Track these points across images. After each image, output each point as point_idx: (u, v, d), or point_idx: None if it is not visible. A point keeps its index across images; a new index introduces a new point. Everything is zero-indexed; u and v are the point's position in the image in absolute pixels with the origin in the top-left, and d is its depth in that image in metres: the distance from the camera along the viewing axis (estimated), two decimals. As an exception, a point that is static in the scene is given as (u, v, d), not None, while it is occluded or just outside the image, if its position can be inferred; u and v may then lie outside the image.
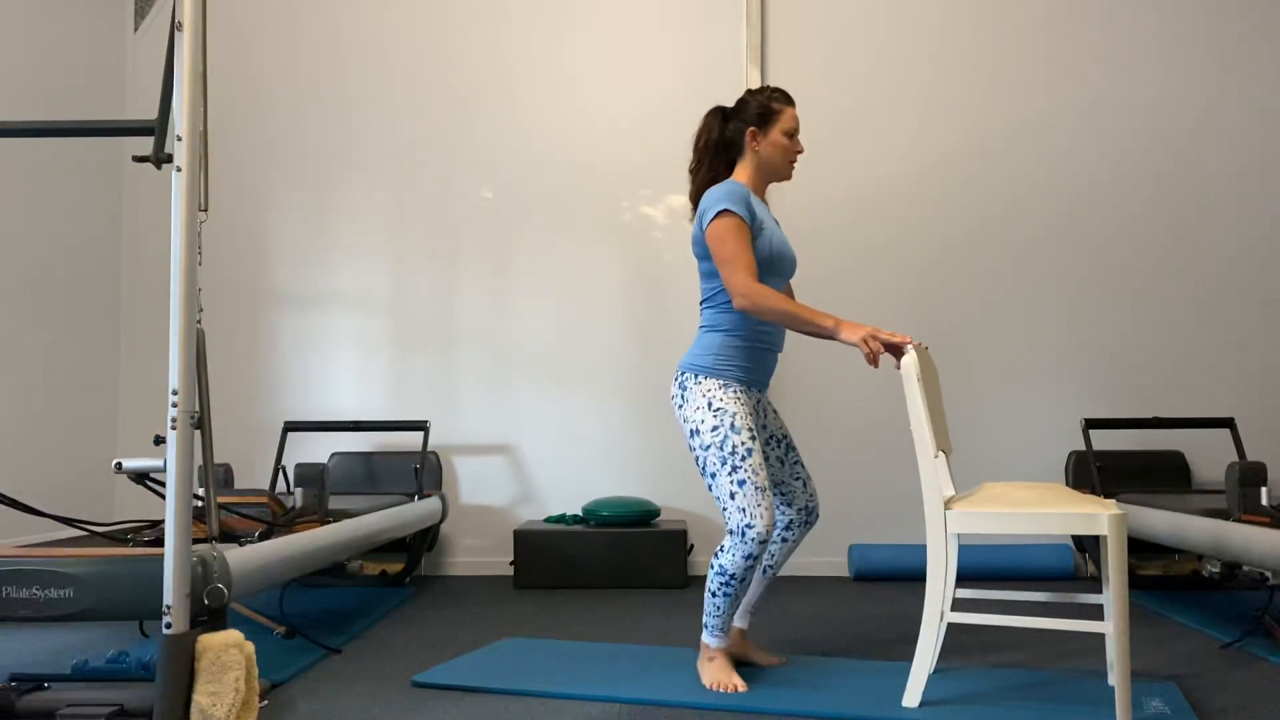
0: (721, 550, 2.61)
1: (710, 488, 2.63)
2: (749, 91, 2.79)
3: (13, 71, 4.30)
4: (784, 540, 2.85)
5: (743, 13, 4.77)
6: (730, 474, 2.58)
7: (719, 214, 2.61)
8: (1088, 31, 4.73)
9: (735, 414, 2.61)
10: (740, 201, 2.63)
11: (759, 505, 2.56)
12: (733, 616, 2.68)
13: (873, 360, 2.49)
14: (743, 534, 2.56)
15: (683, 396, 2.68)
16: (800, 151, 2.79)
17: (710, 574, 2.64)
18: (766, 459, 2.84)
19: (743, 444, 2.58)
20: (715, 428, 2.60)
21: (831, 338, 2.55)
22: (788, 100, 2.76)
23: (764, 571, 2.87)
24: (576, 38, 4.87)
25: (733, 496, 2.57)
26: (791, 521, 2.85)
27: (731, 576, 2.59)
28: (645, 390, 4.75)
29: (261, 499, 3.23)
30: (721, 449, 2.59)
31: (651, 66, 4.84)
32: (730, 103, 2.87)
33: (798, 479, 2.86)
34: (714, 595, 2.63)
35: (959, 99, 4.74)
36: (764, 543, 2.56)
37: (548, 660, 2.94)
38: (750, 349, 2.70)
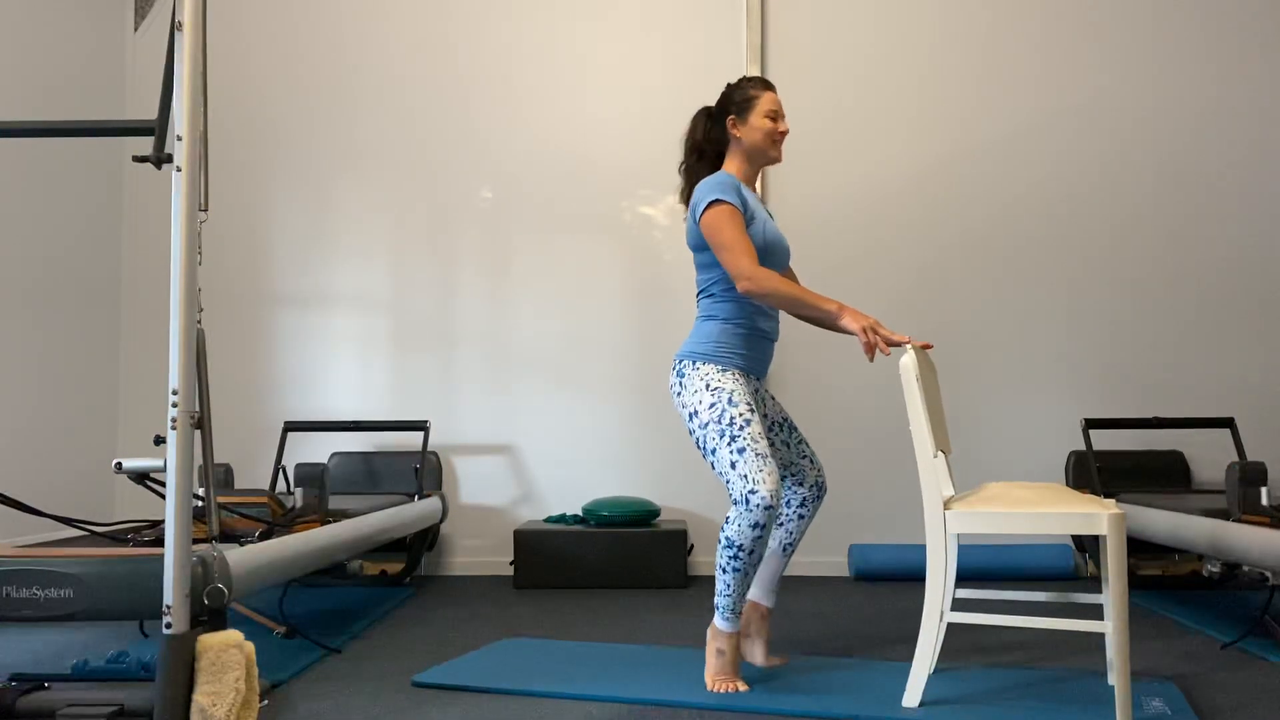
0: (727, 523, 2.58)
1: (712, 465, 2.63)
2: (728, 85, 2.86)
3: (13, 71, 4.30)
4: (800, 517, 2.90)
5: (743, 13, 4.77)
6: (729, 444, 2.58)
7: (711, 203, 2.65)
8: (1087, 31, 4.73)
9: (733, 390, 2.63)
10: (731, 190, 2.67)
11: (761, 471, 2.54)
12: (743, 596, 2.63)
13: (869, 352, 2.49)
14: (747, 501, 2.53)
15: (681, 384, 2.70)
16: (785, 132, 2.82)
17: (719, 549, 2.61)
18: (773, 444, 2.89)
19: (740, 415, 2.59)
20: (712, 404, 2.62)
21: (834, 323, 2.56)
22: (765, 85, 2.81)
23: (784, 549, 2.88)
24: (576, 38, 4.87)
25: (733, 466, 2.57)
26: (805, 499, 2.90)
27: (740, 549, 2.56)
28: (645, 390, 4.75)
29: (261, 499, 3.23)
30: (719, 422, 2.60)
31: (652, 67, 4.84)
32: None
33: (804, 457, 2.91)
34: (723, 571, 2.60)
35: (958, 98, 4.74)
36: (770, 509, 2.52)
37: (548, 660, 2.94)
38: (748, 337, 2.73)
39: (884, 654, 3.06)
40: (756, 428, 2.60)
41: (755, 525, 2.54)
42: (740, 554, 2.57)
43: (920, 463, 2.47)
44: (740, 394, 2.63)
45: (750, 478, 2.54)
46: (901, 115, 4.76)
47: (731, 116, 2.79)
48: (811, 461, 2.92)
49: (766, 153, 2.81)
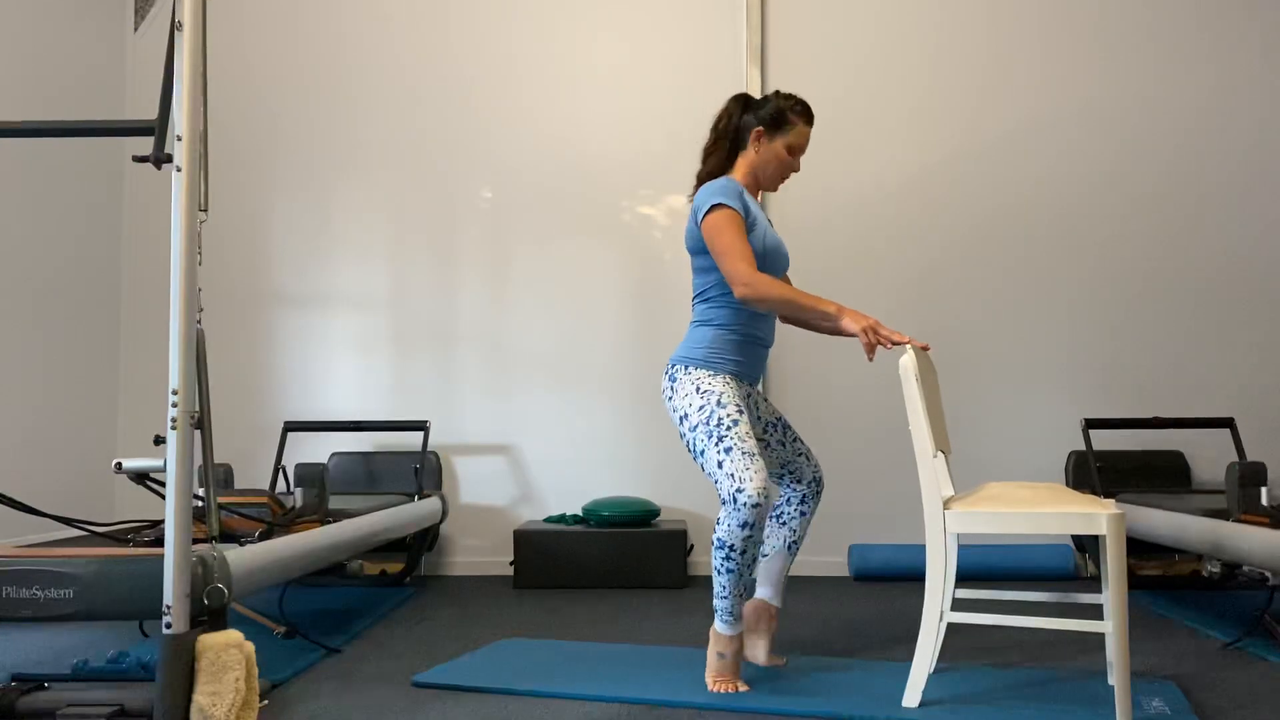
0: (718, 524, 2.58)
1: (702, 467, 2.63)
2: (776, 92, 2.82)
3: (13, 71, 4.30)
4: (802, 514, 2.91)
5: (743, 13, 4.77)
6: (717, 444, 2.58)
7: (713, 208, 2.64)
8: (1086, 32, 4.73)
9: (722, 393, 2.63)
10: (734, 196, 2.66)
11: (748, 470, 2.53)
12: (741, 598, 2.62)
13: (870, 352, 2.49)
14: (735, 500, 2.52)
15: (672, 388, 2.70)
16: (795, 170, 2.83)
17: (712, 551, 2.63)
18: (768, 444, 2.89)
19: (728, 415, 2.59)
20: (702, 406, 2.62)
21: (834, 325, 2.56)
22: (806, 117, 2.79)
23: (789, 548, 2.89)
24: (576, 38, 4.87)
25: (720, 465, 2.56)
26: (805, 495, 2.92)
27: (731, 549, 2.55)
28: (645, 390, 4.76)
29: (261, 499, 3.23)
30: (708, 424, 2.60)
31: (651, 67, 4.84)
32: None
33: (800, 455, 2.92)
34: (718, 573, 2.59)
35: (958, 99, 4.74)
36: (757, 507, 2.50)
37: (548, 660, 2.94)
38: (742, 343, 2.73)
39: (884, 654, 3.06)
40: (744, 427, 2.59)
41: (744, 525, 2.52)
42: (732, 554, 2.55)
43: (920, 463, 2.47)
44: (729, 396, 2.63)
45: (737, 476, 2.53)
46: (902, 115, 4.76)
47: (761, 128, 2.77)
48: (808, 458, 2.93)
49: (769, 179, 2.82)
